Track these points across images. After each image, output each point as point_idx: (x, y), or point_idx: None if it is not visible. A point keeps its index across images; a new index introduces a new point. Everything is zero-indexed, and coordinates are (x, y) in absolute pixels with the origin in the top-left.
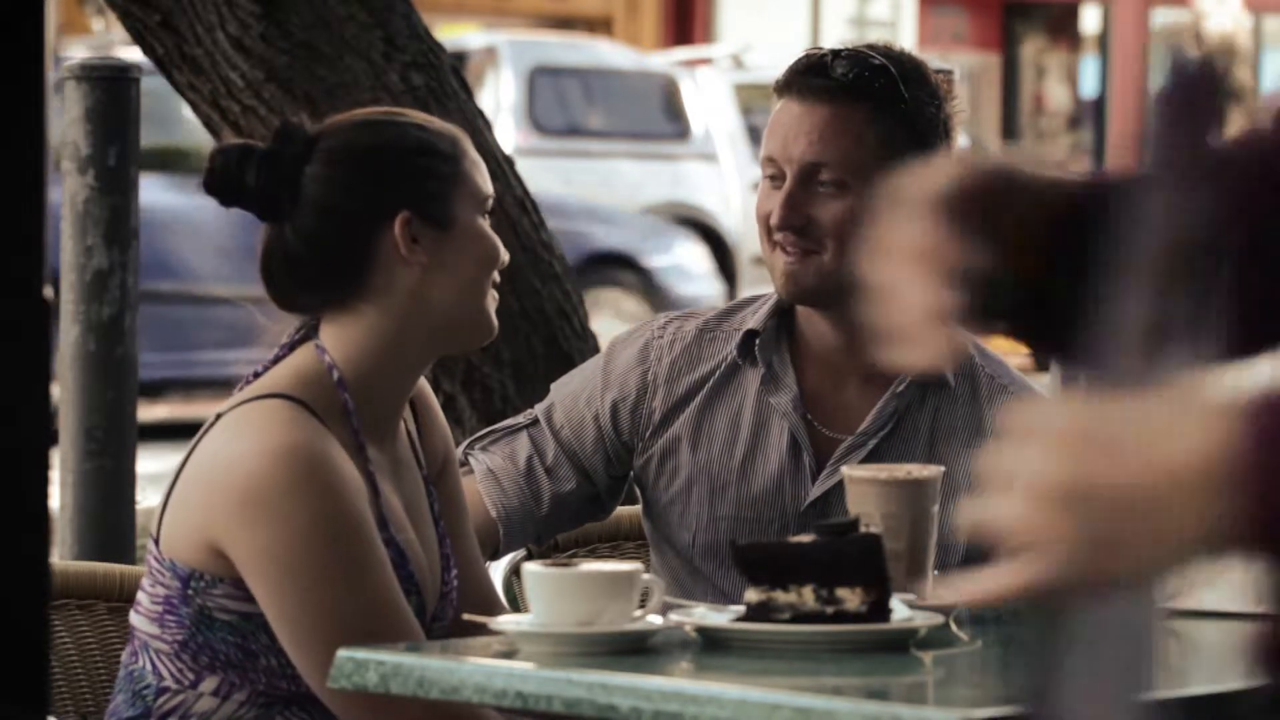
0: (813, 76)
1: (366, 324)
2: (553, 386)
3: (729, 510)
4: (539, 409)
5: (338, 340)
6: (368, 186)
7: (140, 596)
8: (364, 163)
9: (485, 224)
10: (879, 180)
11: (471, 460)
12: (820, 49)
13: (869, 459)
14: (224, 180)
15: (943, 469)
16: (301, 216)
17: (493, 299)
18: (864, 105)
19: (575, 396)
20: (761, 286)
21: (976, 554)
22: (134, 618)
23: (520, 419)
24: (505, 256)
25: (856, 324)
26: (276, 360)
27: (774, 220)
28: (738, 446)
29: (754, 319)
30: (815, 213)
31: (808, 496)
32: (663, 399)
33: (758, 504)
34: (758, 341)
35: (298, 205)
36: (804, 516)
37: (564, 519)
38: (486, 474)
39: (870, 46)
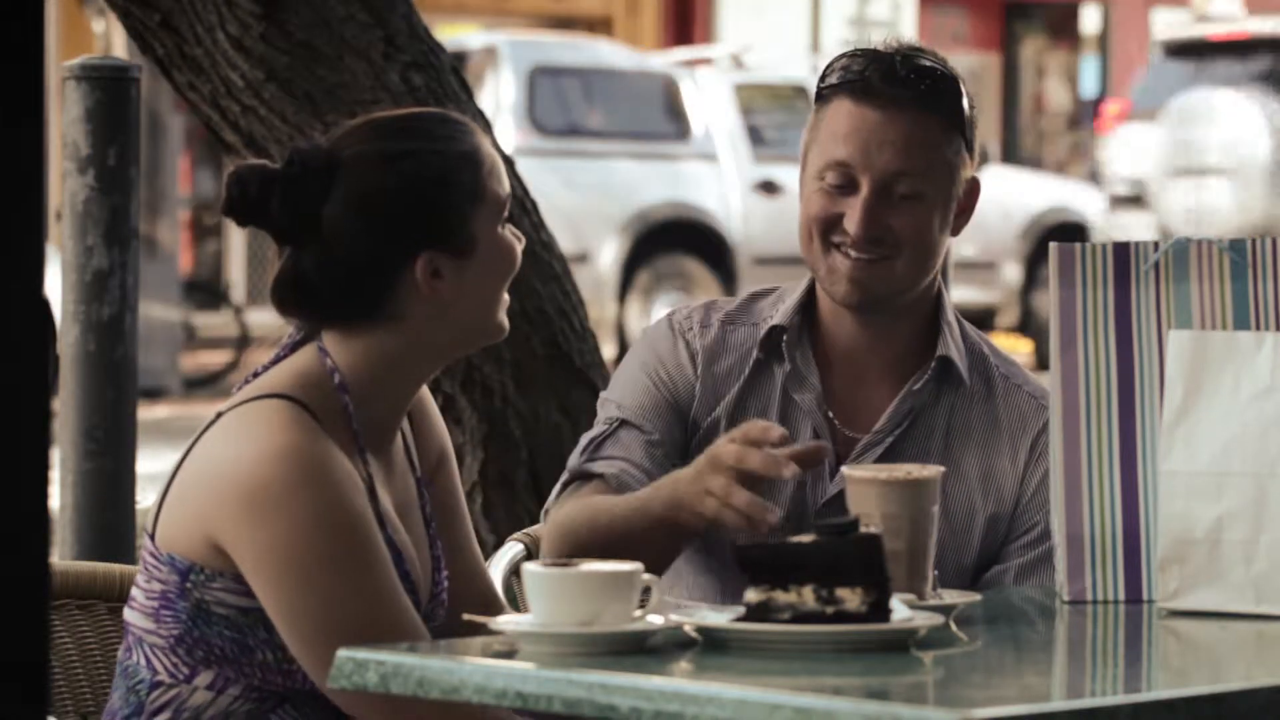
0: (889, 84)
1: (375, 341)
2: (602, 396)
3: None
4: (611, 413)
5: (342, 349)
6: (387, 234)
7: (135, 592)
8: (383, 212)
9: (503, 231)
10: (947, 188)
11: (595, 469)
12: (874, 49)
13: (885, 456)
14: (243, 206)
15: (943, 469)
16: (320, 252)
17: (504, 302)
18: (939, 115)
19: (636, 390)
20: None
21: (989, 553)
22: (128, 613)
23: (602, 426)
24: (524, 243)
25: (886, 324)
26: (277, 360)
27: (855, 231)
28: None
29: (779, 315)
30: (893, 222)
31: (825, 494)
32: (703, 382)
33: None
34: (785, 338)
35: (317, 239)
36: (821, 514)
37: None
38: (616, 476)
39: (917, 49)
